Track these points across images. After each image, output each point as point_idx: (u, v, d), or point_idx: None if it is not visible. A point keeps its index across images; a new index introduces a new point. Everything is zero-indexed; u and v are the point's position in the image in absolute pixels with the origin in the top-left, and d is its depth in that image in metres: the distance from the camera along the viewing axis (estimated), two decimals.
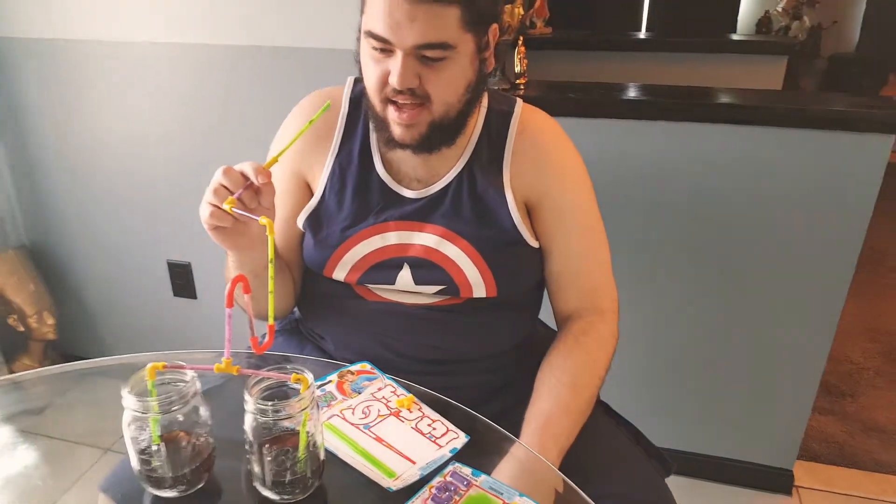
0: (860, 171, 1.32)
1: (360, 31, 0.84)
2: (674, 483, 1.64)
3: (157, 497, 0.67)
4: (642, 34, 3.97)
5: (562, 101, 1.41)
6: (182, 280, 1.89)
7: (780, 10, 5.19)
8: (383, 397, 0.79)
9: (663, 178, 1.42)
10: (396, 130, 0.85)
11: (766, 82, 2.37)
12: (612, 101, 1.43)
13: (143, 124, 1.73)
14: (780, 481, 1.64)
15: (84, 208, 1.89)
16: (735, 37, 3.28)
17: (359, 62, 0.87)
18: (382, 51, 0.80)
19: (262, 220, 0.69)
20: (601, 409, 1.00)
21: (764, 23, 5.30)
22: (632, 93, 1.49)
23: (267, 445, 0.63)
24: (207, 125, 1.69)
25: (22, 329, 1.95)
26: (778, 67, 2.35)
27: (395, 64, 0.79)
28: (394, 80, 0.80)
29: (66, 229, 1.94)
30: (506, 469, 0.73)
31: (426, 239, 0.91)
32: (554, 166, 0.94)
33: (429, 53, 0.79)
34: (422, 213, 0.92)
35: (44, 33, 1.69)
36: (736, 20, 5.15)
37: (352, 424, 0.74)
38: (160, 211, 1.83)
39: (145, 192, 1.81)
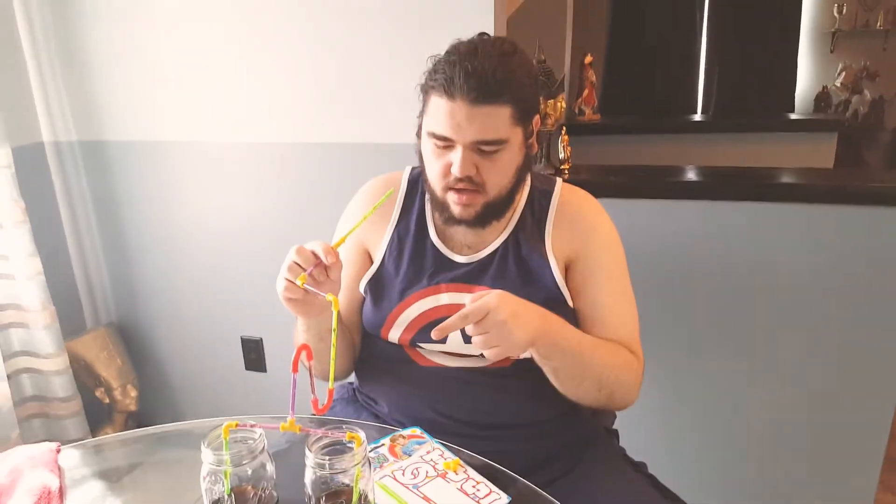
0: None
1: (420, 129, 0.97)
2: None
3: None
4: (697, 116, 4.04)
5: (602, 183, 1.49)
6: (254, 355, 2.02)
7: (838, 84, 5.17)
8: (432, 460, 0.85)
9: (706, 255, 1.46)
10: (456, 210, 0.96)
11: (818, 160, 2.39)
12: (650, 182, 1.51)
13: (223, 213, 1.92)
14: None
15: (167, 288, 2.07)
16: (790, 116, 3.30)
17: (419, 154, 1.00)
18: (444, 146, 0.92)
19: (329, 296, 0.79)
20: (649, 484, 1.01)
21: (822, 98, 5.28)
22: (669, 174, 1.56)
23: (324, 498, 0.70)
24: (279, 214, 1.85)
25: (107, 401, 2.10)
26: (829, 144, 2.37)
27: (456, 157, 0.91)
28: (455, 171, 0.92)
29: (151, 308, 2.12)
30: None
31: None
32: (591, 230, 1.03)
33: (485, 148, 0.91)
34: (471, 275, 1.01)
35: (142, 136, 1.92)
36: (794, 97, 5.15)
37: (402, 484, 0.80)
38: (235, 291, 1.98)
39: (222, 274, 1.98)
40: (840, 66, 5.02)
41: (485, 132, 0.89)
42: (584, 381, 0.94)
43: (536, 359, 0.91)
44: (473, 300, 0.82)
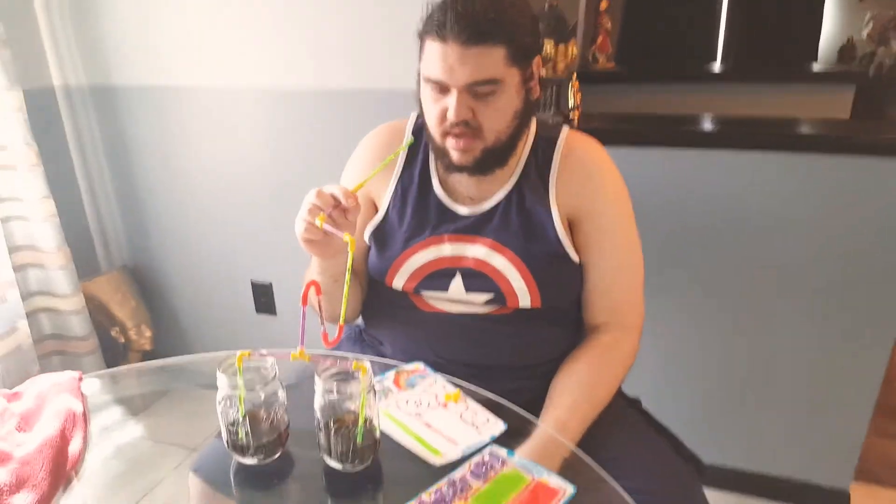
0: None
1: (419, 75, 0.97)
2: (727, 500, 1.66)
3: (240, 466, 0.80)
4: (717, 65, 3.95)
5: (612, 130, 1.49)
6: (264, 298, 2.07)
7: (864, 36, 5.00)
8: (434, 392, 0.89)
9: (710, 204, 1.47)
10: (455, 156, 0.96)
11: (836, 112, 2.36)
12: (659, 130, 1.50)
13: (232, 160, 1.93)
14: (835, 501, 1.61)
15: (179, 233, 2.11)
16: (812, 67, 3.22)
17: (419, 101, 1.00)
18: (440, 90, 0.92)
19: (346, 236, 0.81)
20: (643, 420, 1.06)
21: (847, 50, 5.12)
22: (679, 123, 1.55)
23: (332, 423, 0.74)
24: (288, 160, 1.87)
25: (123, 340, 2.17)
26: (846, 97, 2.33)
27: (452, 101, 0.91)
28: (451, 115, 0.92)
29: (164, 252, 2.16)
30: (531, 449, 0.82)
31: (477, 251, 1.01)
32: (596, 184, 1.02)
33: (480, 89, 0.91)
34: (474, 227, 1.03)
35: (151, 81, 1.93)
36: (817, 48, 5.00)
37: (405, 413, 0.85)
38: (245, 236, 2.01)
39: (233, 220, 2.01)
40: (868, 15, 4.86)
41: (478, 72, 0.89)
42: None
43: None
44: None
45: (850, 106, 2.36)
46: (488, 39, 0.87)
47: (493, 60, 0.89)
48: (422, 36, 0.93)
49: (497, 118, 0.94)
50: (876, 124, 2.18)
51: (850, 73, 2.79)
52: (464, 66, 0.88)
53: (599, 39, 2.62)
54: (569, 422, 0.91)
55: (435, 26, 0.88)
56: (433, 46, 0.90)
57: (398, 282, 1.05)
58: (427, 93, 0.95)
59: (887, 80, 4.81)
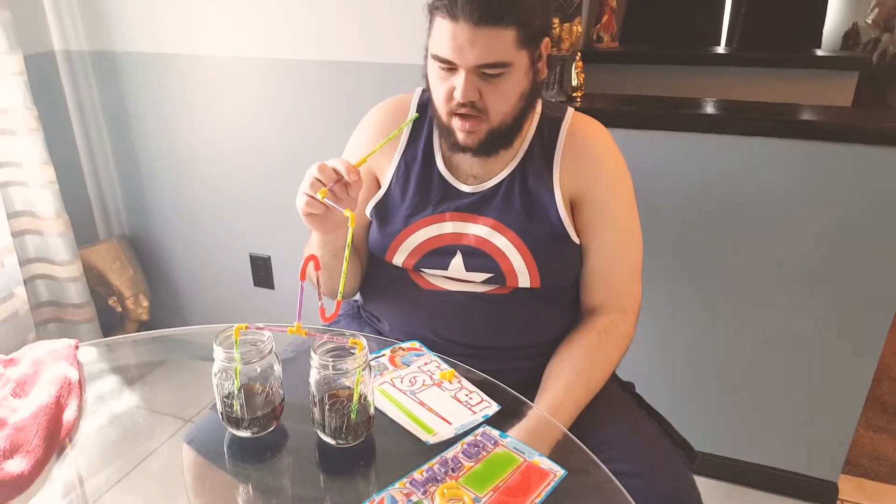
0: None
1: (426, 51, 0.96)
2: (715, 488, 1.68)
3: (234, 439, 0.80)
4: (721, 48, 3.92)
5: (615, 112, 1.48)
6: (262, 272, 2.07)
7: (869, 21, 4.95)
8: (428, 370, 0.90)
9: (709, 189, 1.46)
10: (460, 136, 0.96)
11: (838, 99, 2.34)
12: (662, 113, 1.49)
13: (233, 131, 1.91)
14: (823, 493, 1.63)
15: (178, 204, 2.10)
16: (815, 52, 3.19)
17: (426, 77, 0.99)
18: (448, 69, 0.91)
19: (346, 212, 0.81)
20: (634, 402, 1.06)
21: (851, 36, 5.07)
22: (682, 106, 1.54)
23: (327, 398, 0.75)
24: (288, 132, 1.85)
25: (120, 310, 2.17)
26: (848, 83, 2.32)
27: (459, 81, 0.90)
28: (458, 96, 0.91)
29: (162, 222, 2.16)
30: (523, 430, 0.82)
31: (478, 230, 1.01)
32: (599, 166, 1.02)
33: (489, 71, 0.90)
34: (476, 205, 1.02)
35: (153, 48, 1.90)
36: (821, 33, 4.94)
37: (399, 390, 0.85)
38: (245, 209, 2.01)
39: (232, 192, 2.00)
40: (873, 1, 4.80)
41: (487, 55, 0.88)
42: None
43: None
44: None
45: (852, 93, 2.34)
46: (500, 21, 0.86)
47: (504, 43, 0.88)
48: (431, 11, 0.91)
49: (504, 100, 0.93)
50: (877, 113, 2.17)
51: (853, 60, 2.76)
52: (474, 48, 0.87)
53: (604, 18, 2.58)
54: (563, 405, 0.92)
55: (446, 3, 0.87)
56: (443, 24, 0.88)
57: (398, 258, 1.05)
58: (434, 70, 0.94)
59: (891, 67, 4.76)
